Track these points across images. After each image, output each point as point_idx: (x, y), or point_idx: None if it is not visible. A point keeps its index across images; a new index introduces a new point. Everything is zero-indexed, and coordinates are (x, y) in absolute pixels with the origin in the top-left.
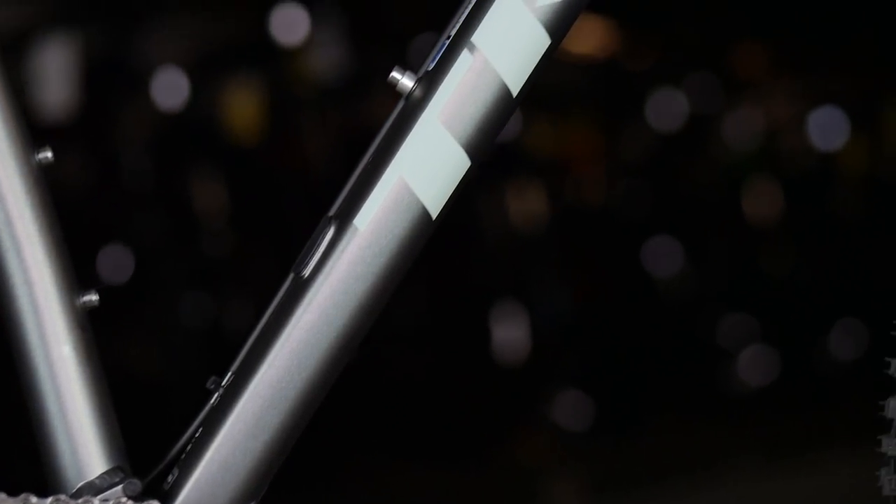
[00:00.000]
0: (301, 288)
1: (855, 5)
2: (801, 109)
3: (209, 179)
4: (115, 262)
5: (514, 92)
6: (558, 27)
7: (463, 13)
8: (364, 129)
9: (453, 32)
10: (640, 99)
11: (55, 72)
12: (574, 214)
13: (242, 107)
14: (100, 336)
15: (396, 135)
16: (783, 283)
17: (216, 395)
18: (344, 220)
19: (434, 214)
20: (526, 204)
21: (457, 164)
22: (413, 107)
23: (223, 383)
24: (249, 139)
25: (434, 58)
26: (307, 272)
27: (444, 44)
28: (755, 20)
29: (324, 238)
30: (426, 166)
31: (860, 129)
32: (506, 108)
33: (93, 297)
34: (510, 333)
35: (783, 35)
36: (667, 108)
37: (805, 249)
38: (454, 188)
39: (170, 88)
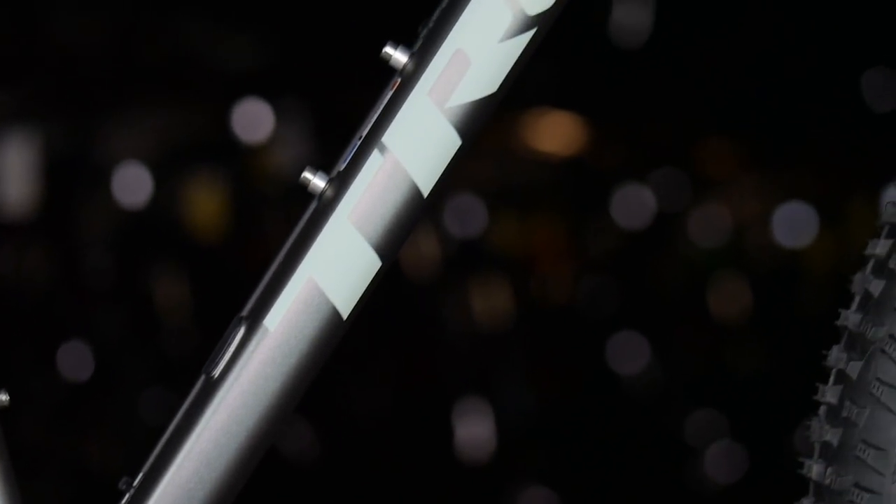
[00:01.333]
0: (211, 388)
1: (821, 101)
2: (768, 206)
3: (172, 276)
4: (76, 360)
5: (425, 192)
6: (469, 128)
7: (375, 113)
8: None
9: (364, 133)
10: (605, 195)
11: (15, 168)
12: (539, 311)
13: (205, 203)
14: (61, 433)
15: (307, 235)
16: (750, 380)
17: (127, 495)
18: (254, 320)
19: (345, 315)
20: (490, 300)
21: (367, 264)
22: (324, 207)
23: (134, 483)
24: (212, 236)
25: (346, 158)
26: (217, 372)
27: (355, 144)
28: (722, 116)
29: (234, 338)
30: (336, 267)
31: (827, 226)
32: (417, 208)
33: (2, 398)
34: (474, 431)
35: (750, 131)
36: (633, 205)
37: (772, 345)
38: (365, 288)
39: (132, 184)
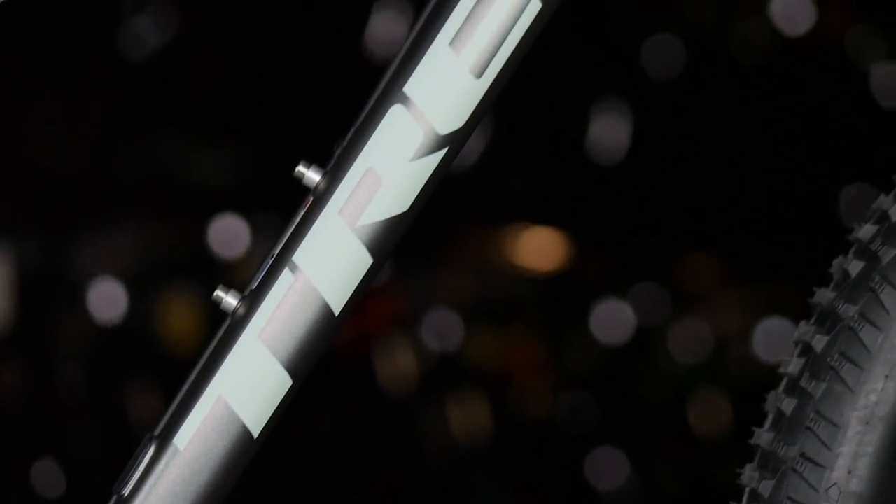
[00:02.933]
0: None
1: (801, 218)
2: (748, 321)
3: (146, 392)
4: (48, 477)
5: (337, 311)
6: (380, 247)
7: (287, 232)
8: None
9: (276, 252)
10: (584, 310)
11: None
12: (518, 426)
13: (181, 319)
14: None
15: (219, 353)
16: (731, 495)
17: None
18: (165, 438)
19: (255, 433)
20: (468, 415)
21: (278, 383)
22: (236, 325)
23: None
24: (188, 352)
25: (258, 277)
26: (127, 491)
27: (267, 263)
28: (701, 232)
29: (144, 457)
30: (247, 386)
31: None
32: (328, 327)
33: None
34: None
35: (730, 246)
36: (612, 320)
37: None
38: (276, 407)
39: (107, 300)
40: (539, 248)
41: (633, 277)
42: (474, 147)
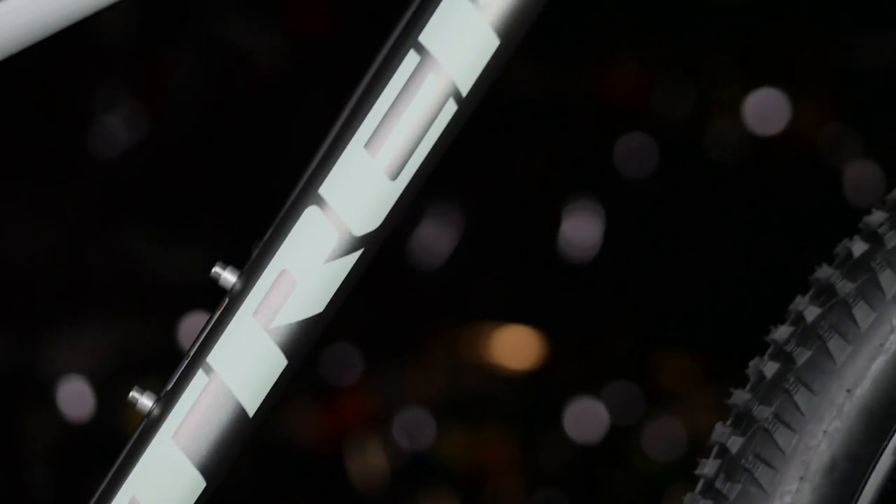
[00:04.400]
0: None
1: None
2: (722, 418)
3: None
4: None
5: (251, 412)
6: (295, 348)
7: (203, 334)
8: (277, 438)
9: (192, 353)
10: (558, 409)
11: None
12: None
13: None
14: None
15: (133, 455)
16: None
17: None
18: None
19: None
20: None
21: (191, 484)
22: (150, 427)
23: None
24: None
25: (173, 378)
26: None
27: (183, 364)
28: (674, 330)
29: None
30: (159, 487)
31: None
32: (242, 429)
33: None
34: None
35: (703, 345)
36: (586, 419)
37: None
38: None
39: (76, 398)
40: (512, 347)
41: (606, 376)
42: (446, 245)
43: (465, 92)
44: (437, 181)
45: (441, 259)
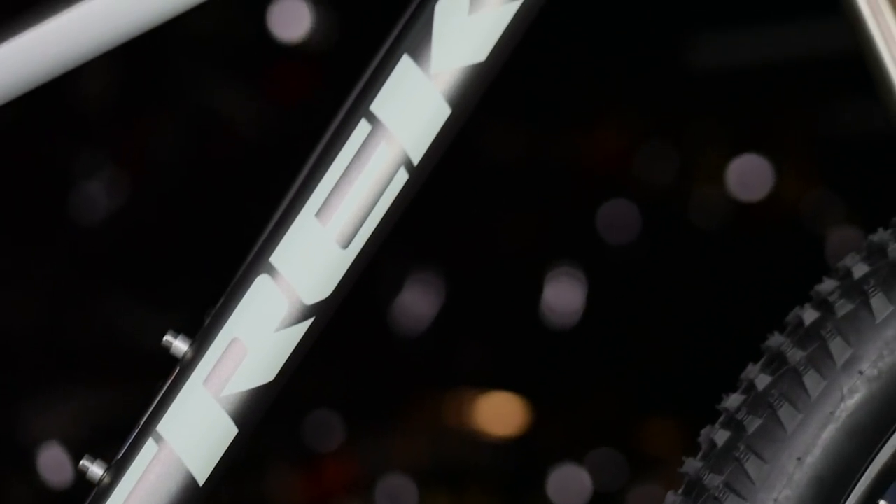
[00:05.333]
0: None
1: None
2: None
3: None
4: None
5: (201, 481)
6: (246, 417)
7: (153, 402)
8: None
9: (142, 422)
10: (541, 475)
11: None
12: None
13: None
14: None
15: None
16: None
17: None
18: None
19: None
20: None
21: None
22: (100, 496)
23: None
24: None
25: (124, 446)
26: None
27: (133, 432)
28: (657, 396)
29: None
30: None
31: None
32: (193, 498)
33: None
34: None
35: (686, 411)
36: (569, 485)
37: None
38: None
39: (55, 465)
40: (495, 413)
41: (589, 442)
42: (428, 310)
43: (416, 160)
44: (419, 246)
45: (423, 324)
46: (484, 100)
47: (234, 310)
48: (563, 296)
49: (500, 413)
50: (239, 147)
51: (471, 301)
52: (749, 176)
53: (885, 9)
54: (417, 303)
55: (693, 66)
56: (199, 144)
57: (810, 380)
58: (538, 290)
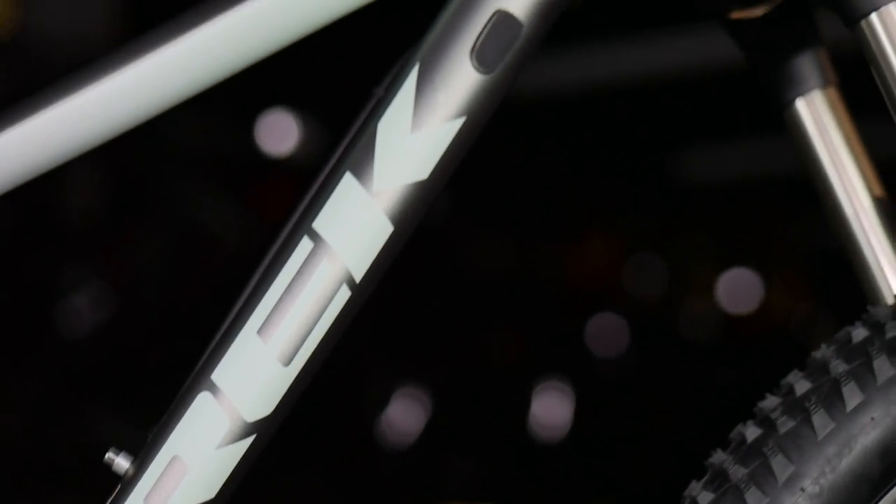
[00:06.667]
0: None
1: None
2: None
3: None
4: None
5: None
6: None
7: None
8: None
9: None
10: None
11: None
12: None
13: None
14: None
15: None
16: None
17: None
18: None
19: None
20: None
21: None
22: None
23: None
24: None
25: None
26: None
27: None
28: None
29: None
30: None
31: None
32: None
33: None
34: None
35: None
36: None
37: None
38: None
39: None
40: None
41: None
42: (415, 424)
43: (358, 278)
44: (405, 360)
45: (410, 439)
46: (472, 214)
47: (175, 427)
48: (551, 410)
49: None
50: (226, 261)
51: (458, 415)
52: (738, 289)
53: (832, 129)
54: (404, 417)
55: (681, 181)
56: (185, 258)
57: (752, 497)
58: (526, 404)
